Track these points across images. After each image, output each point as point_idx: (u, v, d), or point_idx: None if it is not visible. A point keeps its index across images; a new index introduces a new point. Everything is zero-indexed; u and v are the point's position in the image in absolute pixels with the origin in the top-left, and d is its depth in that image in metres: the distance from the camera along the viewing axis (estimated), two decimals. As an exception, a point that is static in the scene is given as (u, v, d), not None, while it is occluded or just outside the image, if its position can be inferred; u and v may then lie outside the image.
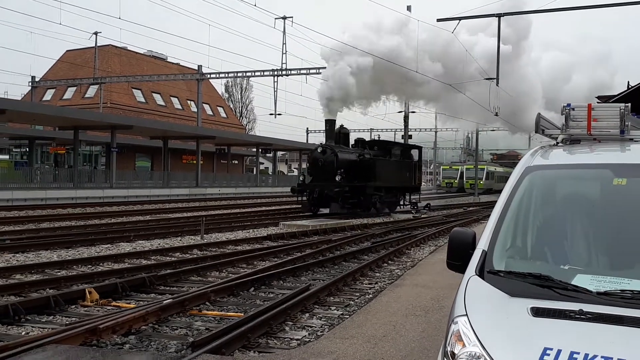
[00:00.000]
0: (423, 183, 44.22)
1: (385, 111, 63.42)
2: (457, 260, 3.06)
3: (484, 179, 60.12)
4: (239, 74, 43.69)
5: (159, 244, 14.45)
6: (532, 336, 2.35)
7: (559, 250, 3.09)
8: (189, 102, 59.32)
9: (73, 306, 7.70)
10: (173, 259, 11.88)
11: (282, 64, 37.06)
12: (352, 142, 26.59)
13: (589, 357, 2.17)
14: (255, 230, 18.50)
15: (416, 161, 29.76)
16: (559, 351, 2.23)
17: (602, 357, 2.17)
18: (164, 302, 7.27)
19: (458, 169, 66.54)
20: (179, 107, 59.21)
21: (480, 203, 39.32)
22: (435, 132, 69.35)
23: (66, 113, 33.56)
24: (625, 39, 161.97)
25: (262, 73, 39.66)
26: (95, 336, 5.90)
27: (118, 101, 51.02)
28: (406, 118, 40.25)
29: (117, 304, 7.87)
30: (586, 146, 3.69)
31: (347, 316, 7.28)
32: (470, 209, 32.38)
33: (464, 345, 2.45)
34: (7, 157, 48.75)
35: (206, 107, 59.06)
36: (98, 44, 46.59)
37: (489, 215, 3.26)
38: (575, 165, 3.53)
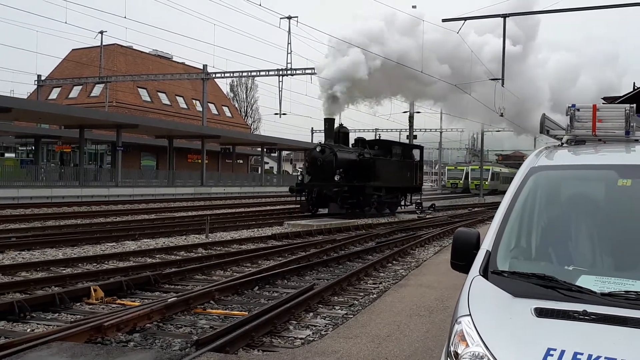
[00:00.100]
0: (428, 183, 44.14)
1: (391, 111, 63.26)
2: (461, 260, 3.05)
3: (489, 180, 60.07)
4: (244, 74, 43.66)
5: (164, 242, 14.50)
6: (535, 336, 2.34)
7: (563, 251, 3.08)
8: (194, 101, 59.43)
9: (78, 304, 7.73)
10: (178, 257, 11.92)
11: (287, 63, 36.92)
12: (352, 141, 26.28)
13: (592, 358, 2.17)
14: (259, 229, 18.52)
15: (417, 161, 29.44)
16: (562, 352, 2.22)
17: (605, 357, 2.16)
18: (169, 300, 7.29)
19: (463, 169, 66.43)
20: (184, 106, 59.33)
21: (485, 204, 39.14)
22: (441, 132, 69.38)
23: (72, 112, 33.71)
24: (632, 40, 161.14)
25: (267, 73, 39.62)
26: (100, 334, 5.92)
27: (123, 100, 51.20)
28: (411, 118, 40.24)
29: (122, 302, 7.90)
30: (591, 147, 3.68)
31: (351, 316, 7.28)
32: (475, 209, 32.26)
33: (467, 345, 2.45)
34: (13, 155, 48.92)
35: (211, 106, 59.18)
36: (104, 43, 46.74)
37: (493, 216, 3.26)
38: (579, 166, 3.53)
